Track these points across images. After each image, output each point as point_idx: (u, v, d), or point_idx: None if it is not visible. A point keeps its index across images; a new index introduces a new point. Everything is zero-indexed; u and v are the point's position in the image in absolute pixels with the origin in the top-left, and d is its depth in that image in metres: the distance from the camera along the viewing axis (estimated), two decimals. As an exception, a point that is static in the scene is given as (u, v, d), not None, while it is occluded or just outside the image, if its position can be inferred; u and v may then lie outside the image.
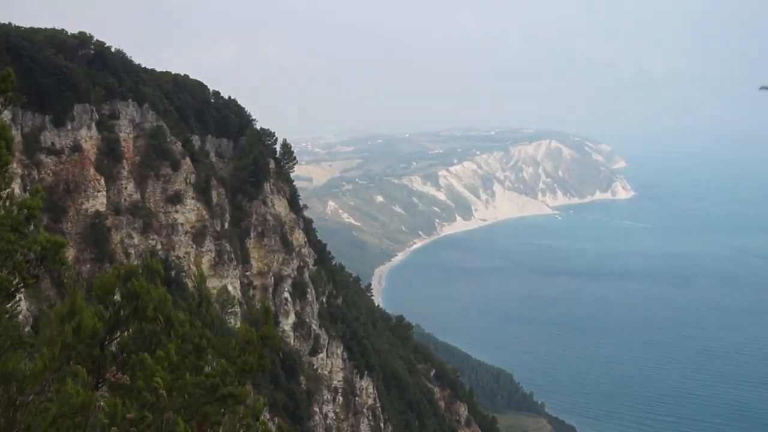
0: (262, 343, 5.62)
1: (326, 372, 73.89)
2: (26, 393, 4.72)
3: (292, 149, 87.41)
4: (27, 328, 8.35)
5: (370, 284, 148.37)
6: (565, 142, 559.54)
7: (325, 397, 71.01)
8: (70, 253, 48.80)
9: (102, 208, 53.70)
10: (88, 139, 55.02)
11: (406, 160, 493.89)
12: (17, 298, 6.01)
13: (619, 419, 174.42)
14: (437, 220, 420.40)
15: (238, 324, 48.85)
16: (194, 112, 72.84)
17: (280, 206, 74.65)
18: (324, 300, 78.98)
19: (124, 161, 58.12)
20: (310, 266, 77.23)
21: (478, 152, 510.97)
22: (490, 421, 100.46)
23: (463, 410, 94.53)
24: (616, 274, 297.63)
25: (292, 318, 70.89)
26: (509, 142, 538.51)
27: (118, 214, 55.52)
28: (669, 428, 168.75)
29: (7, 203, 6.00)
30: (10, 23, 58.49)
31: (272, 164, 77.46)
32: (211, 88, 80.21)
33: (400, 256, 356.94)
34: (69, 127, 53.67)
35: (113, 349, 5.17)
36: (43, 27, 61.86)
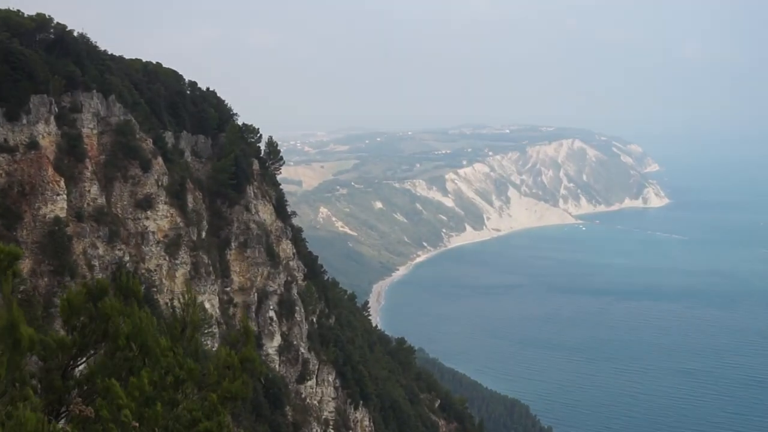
0: (242, 368, 5.64)
1: (316, 402, 73.75)
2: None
3: (278, 148, 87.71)
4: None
5: (367, 302, 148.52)
6: (590, 141, 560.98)
7: (314, 431, 70.83)
8: (26, 265, 48.76)
9: (62, 214, 53.66)
10: (47, 135, 55.07)
11: (408, 161, 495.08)
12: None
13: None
14: (444, 230, 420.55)
15: (215, 347, 48.79)
16: (167, 105, 73.01)
17: (264, 213, 74.73)
18: (314, 320, 78.94)
19: (87, 160, 58.13)
20: (299, 281, 77.25)
21: (490, 153, 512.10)
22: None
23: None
24: (648, 294, 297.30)
25: (277, 340, 70.84)
26: (526, 142, 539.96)
27: (80, 221, 55.52)
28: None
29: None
30: (-43, 3, 58.68)
31: (256, 165, 77.61)
32: (187, 77, 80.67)
33: (401, 271, 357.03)
34: (24, 121, 53.72)
35: (78, 376, 5.18)
36: (-4, 8, 62.06)
